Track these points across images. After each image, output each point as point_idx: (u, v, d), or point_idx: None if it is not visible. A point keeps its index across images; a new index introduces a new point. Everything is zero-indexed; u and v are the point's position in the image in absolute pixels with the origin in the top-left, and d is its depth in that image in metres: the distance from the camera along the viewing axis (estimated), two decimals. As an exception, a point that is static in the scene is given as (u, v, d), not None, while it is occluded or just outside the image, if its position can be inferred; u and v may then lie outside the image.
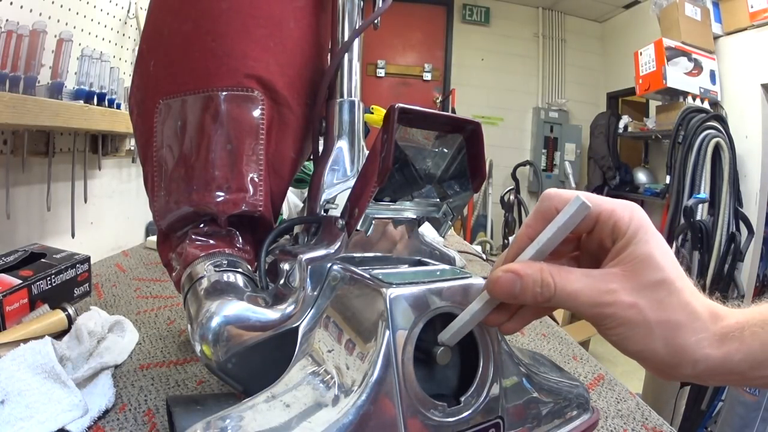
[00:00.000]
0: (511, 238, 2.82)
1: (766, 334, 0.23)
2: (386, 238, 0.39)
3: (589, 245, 0.26)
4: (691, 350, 0.24)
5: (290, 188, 0.72)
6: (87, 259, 0.69)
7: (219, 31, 0.41)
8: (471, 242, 2.74)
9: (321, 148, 0.46)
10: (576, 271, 0.25)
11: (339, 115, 0.45)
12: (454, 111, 3.16)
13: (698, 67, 2.45)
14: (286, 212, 0.88)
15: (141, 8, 1.01)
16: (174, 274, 0.42)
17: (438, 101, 3.61)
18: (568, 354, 0.62)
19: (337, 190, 0.43)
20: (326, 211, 0.41)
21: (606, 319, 0.25)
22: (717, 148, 2.10)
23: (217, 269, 0.38)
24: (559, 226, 0.25)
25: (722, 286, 1.90)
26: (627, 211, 0.25)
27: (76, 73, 0.78)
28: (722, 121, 2.17)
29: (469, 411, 0.30)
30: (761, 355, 0.23)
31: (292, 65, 0.44)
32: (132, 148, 0.99)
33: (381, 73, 3.59)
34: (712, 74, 2.47)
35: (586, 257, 0.28)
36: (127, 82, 0.73)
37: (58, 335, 0.52)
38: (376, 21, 0.45)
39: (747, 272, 2.17)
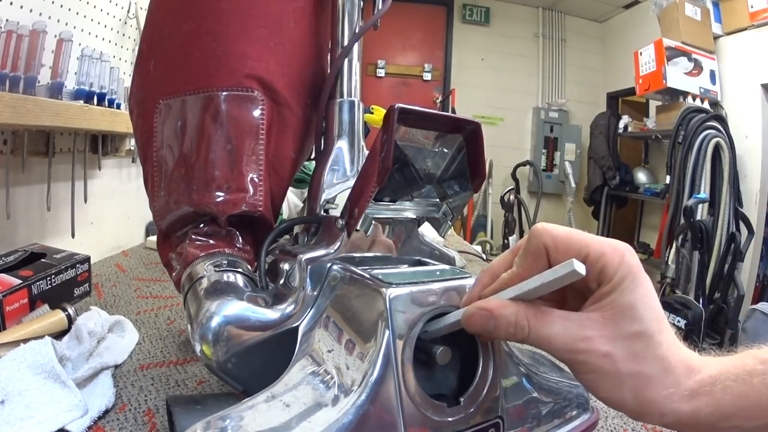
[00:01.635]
0: (511, 239, 2.82)
1: (738, 387, 0.23)
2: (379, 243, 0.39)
3: (574, 282, 0.26)
4: (659, 404, 0.24)
5: (290, 188, 0.72)
6: (87, 259, 0.69)
7: (219, 31, 0.41)
8: (471, 242, 2.74)
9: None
10: (554, 313, 0.25)
11: (339, 115, 0.45)
12: (454, 111, 3.16)
13: (698, 67, 2.45)
14: (286, 212, 0.88)
15: (141, 8, 1.01)
16: (174, 274, 0.42)
17: (438, 101, 3.61)
18: (568, 354, 0.62)
19: (337, 190, 0.43)
20: (326, 211, 0.41)
21: (578, 365, 0.25)
22: (717, 148, 2.10)
23: (217, 269, 0.38)
24: (543, 282, 0.24)
25: (722, 286, 1.90)
26: (617, 256, 0.24)
27: (76, 73, 0.78)
28: (722, 121, 2.17)
29: (469, 411, 0.30)
30: (731, 409, 0.23)
31: (292, 65, 0.44)
32: (132, 148, 0.98)
33: (381, 73, 3.59)
34: (712, 74, 2.47)
35: (570, 291, 0.28)
36: (127, 82, 0.73)
37: (58, 335, 0.52)
38: (376, 22, 0.45)
39: (747, 272, 2.17)
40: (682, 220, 2.01)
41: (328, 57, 0.49)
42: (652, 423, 0.25)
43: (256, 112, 0.41)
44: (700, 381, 0.24)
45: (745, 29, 2.36)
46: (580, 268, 0.23)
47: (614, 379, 0.24)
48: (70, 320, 0.54)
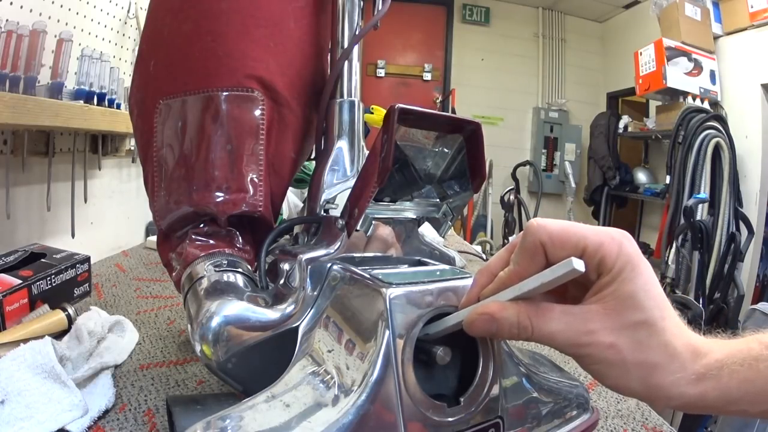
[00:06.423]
0: (511, 239, 2.81)
1: (744, 372, 0.23)
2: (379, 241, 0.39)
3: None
4: (667, 389, 0.24)
5: (290, 188, 0.72)
6: (87, 259, 0.69)
7: (219, 31, 0.41)
8: (471, 242, 2.73)
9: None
10: (555, 309, 0.25)
11: (339, 115, 0.45)
12: (454, 111, 3.16)
13: (698, 67, 2.45)
14: (286, 212, 0.88)
15: (141, 8, 1.01)
16: (174, 274, 0.42)
17: (438, 101, 3.61)
18: (568, 354, 0.62)
19: (337, 190, 0.43)
20: (326, 211, 0.41)
21: (584, 357, 0.25)
22: (717, 148, 2.10)
23: (217, 269, 0.38)
24: (543, 282, 0.24)
25: (722, 286, 1.90)
26: (615, 246, 0.24)
27: (76, 73, 0.78)
28: (722, 121, 2.17)
29: (469, 411, 0.30)
30: (737, 393, 0.23)
31: (292, 65, 0.44)
32: (132, 148, 0.99)
33: (381, 73, 3.58)
34: (712, 74, 2.47)
35: (571, 283, 0.27)
36: (127, 82, 0.73)
37: (58, 335, 0.52)
38: (376, 23, 0.45)
39: (747, 272, 2.16)
40: (682, 220, 2.01)
41: (328, 57, 0.49)
42: (661, 407, 0.25)
43: (256, 112, 0.41)
44: (706, 365, 0.24)
45: (745, 29, 2.36)
46: (579, 266, 0.23)
47: (621, 368, 0.24)
48: (70, 320, 0.54)
